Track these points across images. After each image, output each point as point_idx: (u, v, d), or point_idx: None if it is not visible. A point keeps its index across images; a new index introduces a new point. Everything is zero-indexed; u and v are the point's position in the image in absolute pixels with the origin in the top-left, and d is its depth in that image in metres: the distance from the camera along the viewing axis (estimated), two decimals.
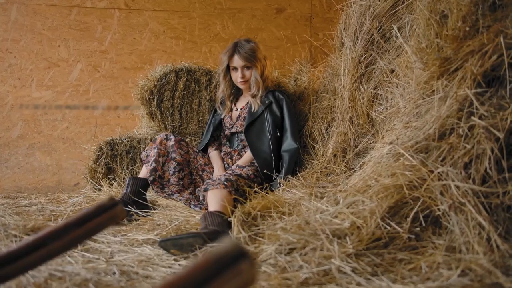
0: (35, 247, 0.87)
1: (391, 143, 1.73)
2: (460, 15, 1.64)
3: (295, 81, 3.06)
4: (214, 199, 1.83)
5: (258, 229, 1.53)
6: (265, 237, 1.36)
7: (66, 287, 1.02)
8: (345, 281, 1.08)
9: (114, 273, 1.23)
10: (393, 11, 2.21)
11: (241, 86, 2.44)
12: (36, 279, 1.07)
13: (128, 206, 2.01)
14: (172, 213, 2.00)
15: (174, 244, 1.41)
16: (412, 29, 2.10)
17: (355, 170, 2.16)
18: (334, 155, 2.30)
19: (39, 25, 3.26)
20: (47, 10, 3.26)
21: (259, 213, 1.65)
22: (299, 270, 1.14)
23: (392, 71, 2.16)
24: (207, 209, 1.93)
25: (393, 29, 2.22)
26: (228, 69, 2.43)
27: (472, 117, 1.41)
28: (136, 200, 2.09)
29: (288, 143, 2.36)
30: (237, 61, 2.36)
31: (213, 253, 0.47)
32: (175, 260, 1.40)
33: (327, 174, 2.24)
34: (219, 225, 1.58)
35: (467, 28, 1.58)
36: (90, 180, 2.60)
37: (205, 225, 1.60)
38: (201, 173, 2.34)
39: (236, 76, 2.39)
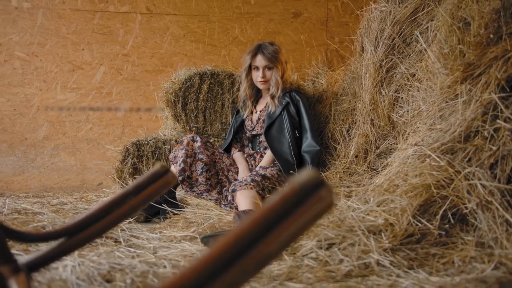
0: (101, 216, 0.95)
1: (416, 144, 1.81)
2: (482, 22, 1.72)
3: (313, 83, 3.14)
4: (244, 199, 1.91)
5: None
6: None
7: (130, 277, 1.11)
8: (385, 273, 1.16)
9: (165, 266, 1.32)
10: (413, 17, 2.30)
11: (260, 86, 2.52)
12: (100, 270, 1.16)
13: (162, 205, 2.10)
14: (203, 211, 2.09)
15: (216, 240, 1.49)
16: (433, 34, 2.19)
17: (378, 171, 2.24)
18: (356, 156, 2.38)
19: (64, 29, 3.36)
20: (71, 14, 3.36)
21: None
22: (340, 264, 1.22)
23: (413, 75, 2.24)
24: (237, 208, 2.02)
25: (413, 34, 2.30)
26: (250, 69, 2.51)
27: (498, 120, 1.49)
28: (167, 199, 2.17)
29: (309, 144, 2.42)
30: (260, 60, 2.44)
31: (296, 183, 0.54)
32: None
33: (350, 174, 2.33)
34: None
35: (491, 36, 1.66)
36: (117, 179, 2.69)
37: None
38: (226, 173, 2.43)
39: (257, 76, 2.48)
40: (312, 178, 0.52)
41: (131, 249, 1.53)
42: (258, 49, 2.45)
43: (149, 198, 0.98)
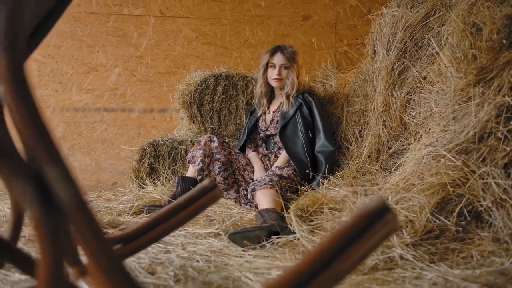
0: (153, 225, 1.03)
1: (429, 145, 1.89)
2: (494, 27, 1.80)
3: (323, 85, 3.22)
4: (265, 198, 1.98)
5: (314, 224, 1.69)
6: (329, 229, 1.52)
7: (171, 270, 1.18)
8: (409, 266, 1.24)
9: (198, 260, 1.39)
10: (424, 22, 2.37)
11: (274, 84, 2.59)
12: (141, 264, 1.23)
13: None
14: (223, 209, 2.16)
15: (243, 236, 1.57)
16: (444, 38, 2.27)
17: (390, 170, 2.32)
18: (369, 156, 2.46)
19: (79, 31, 3.43)
20: (86, 17, 3.43)
21: (311, 209, 1.82)
22: None
23: (425, 77, 2.32)
24: (256, 207, 2.09)
25: (425, 38, 2.38)
26: (267, 67, 2.59)
27: (511, 122, 1.57)
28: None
29: (322, 144, 2.50)
30: (278, 58, 2.53)
31: (365, 208, 0.61)
32: (243, 251, 1.56)
33: (363, 173, 2.40)
34: (276, 219, 1.74)
35: (504, 41, 1.74)
36: (135, 179, 2.77)
37: (263, 220, 1.75)
38: (243, 173, 2.50)
39: (273, 73, 2.55)
40: (380, 204, 0.59)
41: (161, 245, 1.61)
42: (278, 48, 2.54)
43: (198, 211, 1.05)
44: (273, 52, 2.54)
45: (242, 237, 1.57)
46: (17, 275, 1.20)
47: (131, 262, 1.24)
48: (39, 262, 0.42)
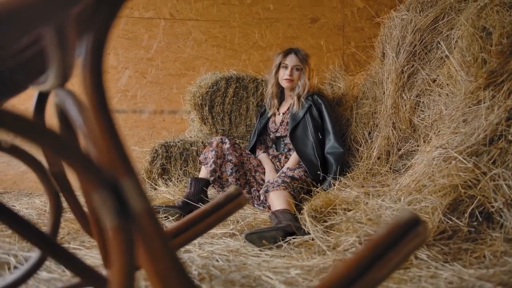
0: (182, 231, 1.07)
1: (440, 147, 1.92)
2: (504, 32, 1.83)
3: (331, 87, 3.26)
4: (278, 199, 2.02)
5: (328, 224, 1.73)
6: (343, 229, 1.56)
7: (194, 269, 1.23)
8: (424, 266, 1.28)
9: (217, 260, 1.44)
10: (434, 26, 2.41)
11: (284, 84, 2.62)
12: None
13: (197, 203, 2.22)
14: None
15: (259, 237, 1.61)
16: (453, 42, 2.30)
17: (400, 172, 2.36)
18: (378, 158, 2.50)
19: None
20: None
21: (324, 210, 1.86)
22: None
23: (434, 80, 2.35)
24: (269, 208, 2.14)
25: (434, 42, 2.41)
26: (279, 68, 2.63)
27: None
28: (201, 198, 2.29)
29: (332, 145, 2.53)
30: (291, 59, 2.57)
31: (397, 220, 0.66)
32: (260, 250, 1.60)
33: (373, 174, 2.44)
34: (291, 220, 1.78)
35: None
36: (147, 180, 2.81)
37: (278, 221, 1.79)
38: (254, 174, 2.54)
39: (284, 74, 2.59)
40: (412, 216, 0.64)
41: None
42: (291, 50, 2.59)
43: (224, 217, 1.10)
44: (286, 53, 2.58)
45: (259, 237, 1.61)
46: (44, 274, 1.24)
47: None
48: (113, 268, 0.46)
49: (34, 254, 0.89)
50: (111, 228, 0.46)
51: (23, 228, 0.80)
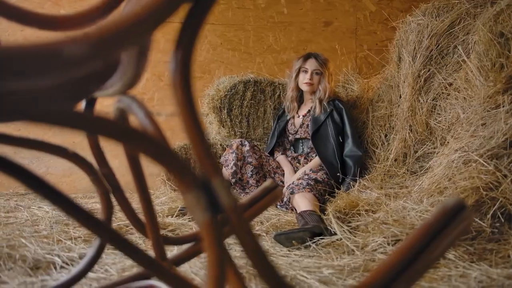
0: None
1: (459, 149, 1.98)
2: None
3: (345, 90, 3.31)
4: (304, 201, 2.07)
5: (352, 225, 1.79)
6: (369, 230, 1.62)
7: None
8: (452, 265, 1.33)
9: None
10: (450, 31, 2.46)
11: (304, 88, 2.69)
12: (193, 268, 1.33)
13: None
14: None
15: (288, 237, 1.66)
16: (470, 47, 2.35)
17: (418, 174, 2.41)
18: (395, 160, 2.55)
19: None
20: None
21: (348, 211, 1.91)
22: None
23: (450, 84, 2.41)
24: (293, 209, 2.19)
25: (450, 46, 2.47)
26: (298, 72, 2.70)
27: None
28: None
29: (350, 149, 2.59)
30: (311, 63, 2.63)
31: (445, 206, 0.71)
32: (288, 251, 1.65)
33: (390, 176, 2.50)
34: (317, 221, 1.84)
35: None
36: (167, 181, 2.88)
37: (305, 222, 1.85)
38: (273, 176, 2.60)
39: (304, 77, 2.66)
40: (459, 202, 0.69)
41: None
42: (311, 55, 2.66)
43: (261, 210, 1.15)
44: (306, 58, 2.65)
45: (287, 238, 1.67)
46: (91, 274, 1.30)
47: (184, 267, 1.33)
48: (208, 259, 0.52)
49: (91, 246, 0.94)
50: (204, 223, 0.52)
51: (84, 217, 0.86)
